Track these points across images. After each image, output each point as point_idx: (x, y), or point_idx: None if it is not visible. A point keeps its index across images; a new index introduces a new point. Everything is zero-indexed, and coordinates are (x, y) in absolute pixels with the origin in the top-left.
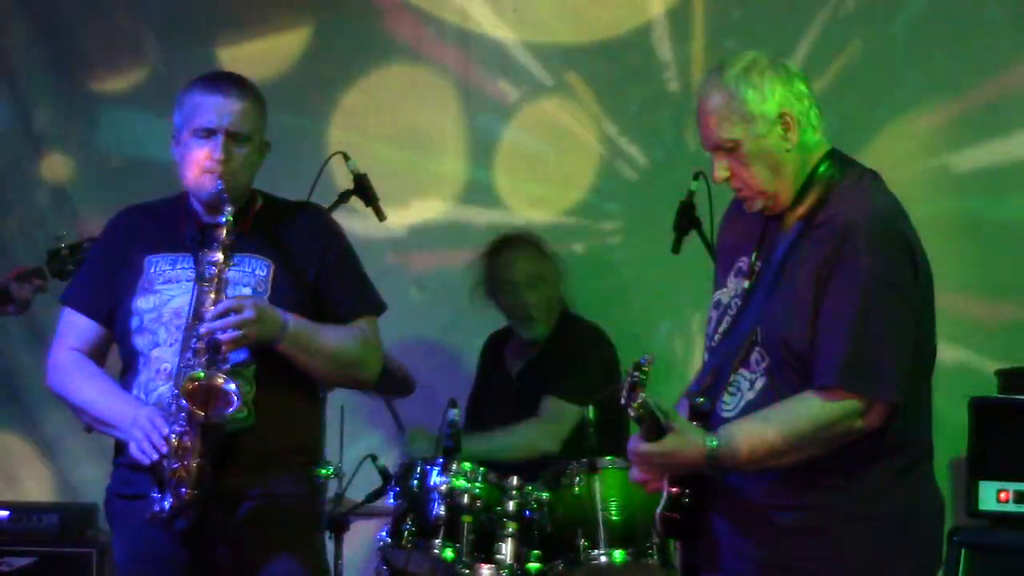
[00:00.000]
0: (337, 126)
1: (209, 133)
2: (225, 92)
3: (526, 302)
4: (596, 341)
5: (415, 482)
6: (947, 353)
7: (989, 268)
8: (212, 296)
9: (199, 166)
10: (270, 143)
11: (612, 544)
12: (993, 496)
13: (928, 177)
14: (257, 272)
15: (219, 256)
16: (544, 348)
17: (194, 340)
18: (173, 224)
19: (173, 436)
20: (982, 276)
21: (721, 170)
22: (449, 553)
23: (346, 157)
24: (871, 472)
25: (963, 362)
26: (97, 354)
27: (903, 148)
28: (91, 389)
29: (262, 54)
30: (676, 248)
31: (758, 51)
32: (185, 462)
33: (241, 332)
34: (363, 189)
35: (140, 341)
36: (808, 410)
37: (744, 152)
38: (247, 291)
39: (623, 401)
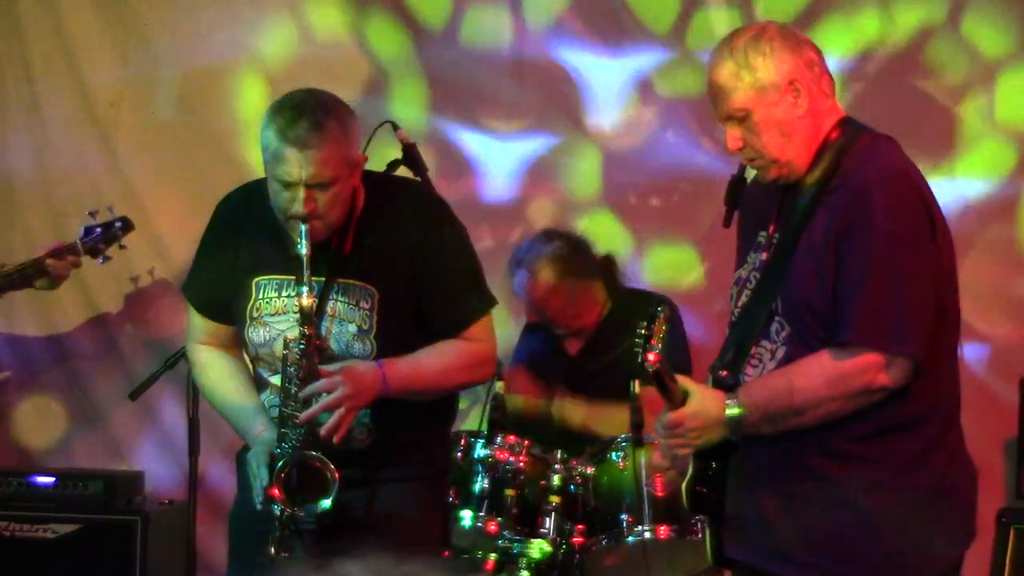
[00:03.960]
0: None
1: (289, 186)
2: (302, 143)
3: (549, 316)
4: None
5: (459, 454)
6: (999, 331)
7: None
8: (304, 364)
9: (283, 213)
10: (367, 156)
11: (656, 520)
12: None
13: None
14: (361, 304)
15: (309, 302)
16: (603, 326)
17: (290, 419)
18: (276, 235)
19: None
20: None
21: (733, 140)
22: (492, 526)
23: (394, 126)
24: (903, 440)
25: (1015, 341)
26: (225, 341)
27: None
28: (220, 400)
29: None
30: (727, 222)
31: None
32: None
33: (340, 415)
34: (412, 159)
35: (257, 366)
36: (821, 365)
37: (755, 121)
38: (352, 328)
39: (639, 355)
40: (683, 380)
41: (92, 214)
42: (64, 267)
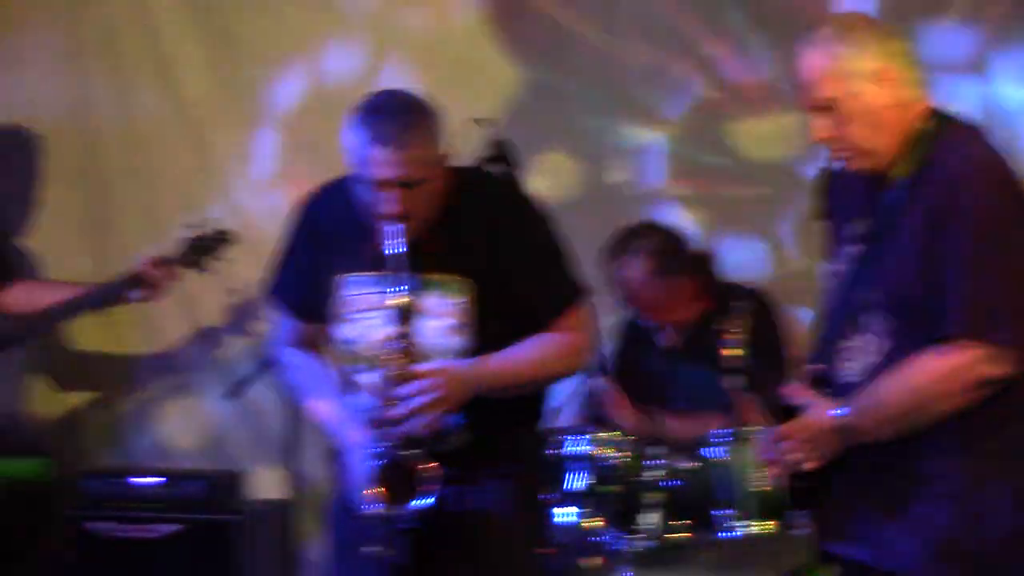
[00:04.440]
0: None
1: (379, 186)
2: (390, 143)
3: (645, 313)
4: (764, 311)
5: (556, 451)
6: None
7: None
8: (398, 363)
9: (373, 211)
10: (453, 152)
11: (758, 515)
12: None
13: None
14: (453, 300)
15: (402, 300)
16: (700, 322)
17: (385, 419)
18: (363, 233)
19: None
20: None
21: (819, 130)
22: (591, 523)
23: (483, 123)
24: (1011, 432)
25: None
26: (313, 341)
27: None
28: (312, 402)
29: None
30: (816, 216)
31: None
32: None
33: (434, 416)
34: (502, 155)
35: (347, 365)
36: (925, 365)
37: (842, 110)
38: (445, 323)
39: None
40: (793, 395)
41: (190, 226)
42: (161, 276)
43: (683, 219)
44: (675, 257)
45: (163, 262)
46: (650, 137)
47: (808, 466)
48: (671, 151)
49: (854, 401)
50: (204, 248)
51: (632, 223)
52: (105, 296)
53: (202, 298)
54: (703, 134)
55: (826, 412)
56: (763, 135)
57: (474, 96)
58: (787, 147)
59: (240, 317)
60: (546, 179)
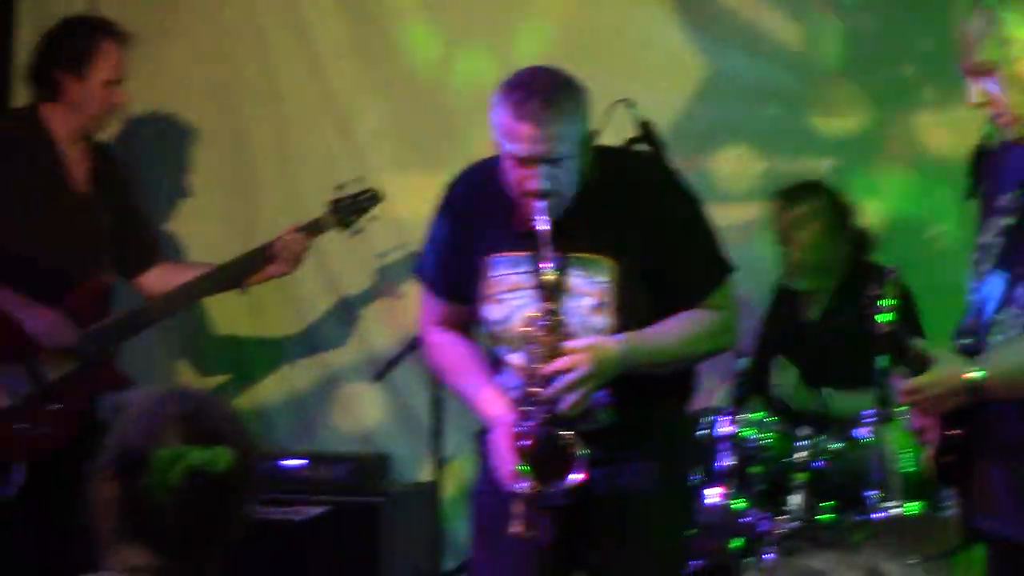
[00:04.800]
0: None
1: (524, 162)
2: (535, 119)
3: (796, 256)
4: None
5: (703, 431)
6: None
7: None
8: (546, 342)
9: (518, 189)
10: (598, 131)
11: (906, 496)
12: None
13: None
14: (598, 278)
15: (549, 278)
16: (841, 291)
17: (531, 396)
18: (508, 213)
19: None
20: None
21: (976, 95)
22: (738, 504)
23: (630, 104)
24: None
25: None
26: (460, 321)
27: None
28: (458, 381)
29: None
30: (970, 194)
31: None
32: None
33: (581, 394)
34: (649, 136)
35: (494, 344)
36: None
37: (1000, 75)
38: (589, 302)
39: (872, 319)
40: (923, 345)
41: (340, 186)
42: (295, 242)
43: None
44: (842, 218)
45: (297, 231)
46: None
47: (924, 419)
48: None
49: (989, 360)
50: (353, 208)
51: (806, 180)
52: (240, 269)
53: (345, 277)
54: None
55: (958, 368)
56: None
57: (658, 84)
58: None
59: (383, 296)
60: (729, 170)
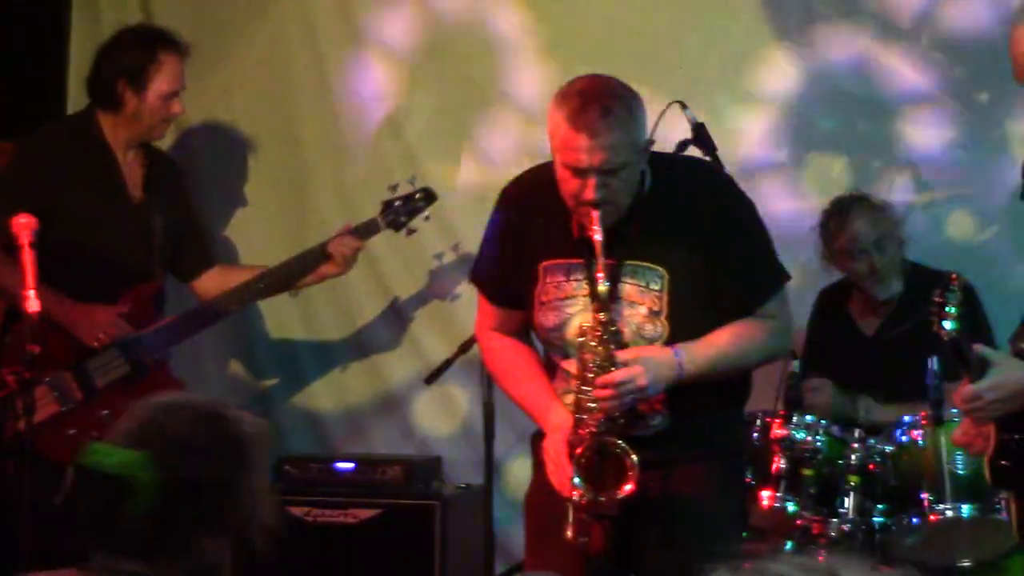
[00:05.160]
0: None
1: (579, 172)
2: (592, 130)
3: (877, 265)
4: (970, 291)
5: (756, 434)
6: None
7: None
8: (599, 350)
9: (572, 199)
10: (654, 139)
11: (958, 498)
12: None
13: None
14: (651, 286)
15: (603, 286)
16: (901, 304)
17: (584, 403)
18: (562, 220)
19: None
20: None
21: None
22: (791, 506)
23: (683, 106)
24: None
25: None
26: (515, 327)
27: None
28: (512, 386)
29: None
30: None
31: None
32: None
33: (635, 401)
34: (701, 139)
35: (548, 351)
36: None
37: None
38: (643, 310)
39: (934, 325)
40: (983, 350)
41: (393, 187)
42: (346, 245)
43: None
44: (891, 224)
45: (347, 233)
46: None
47: (982, 424)
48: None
49: None
50: (406, 209)
51: (848, 193)
52: (293, 271)
53: (396, 280)
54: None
55: (1020, 374)
56: None
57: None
58: None
59: (434, 298)
60: (818, 179)
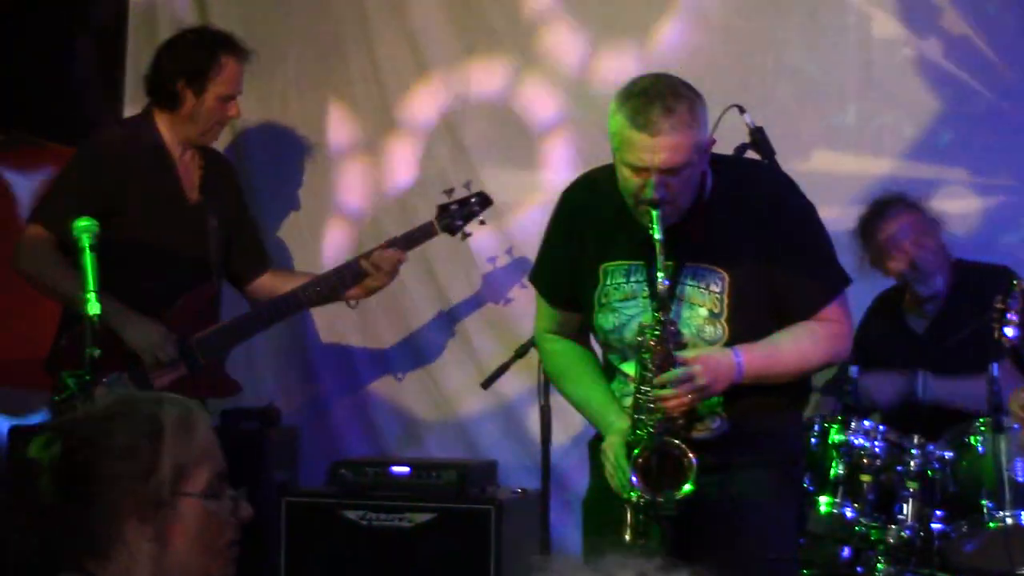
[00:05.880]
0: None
1: (640, 171)
2: (655, 129)
3: (919, 262)
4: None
5: (814, 439)
6: None
7: None
8: (659, 351)
9: (634, 198)
10: (715, 139)
11: (1018, 505)
12: None
13: None
14: (712, 288)
15: (663, 287)
16: (949, 300)
17: (643, 404)
18: (622, 221)
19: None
20: None
21: None
22: (849, 512)
23: (741, 110)
24: None
25: None
26: (573, 329)
27: None
28: (571, 389)
29: None
30: None
31: None
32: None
33: (693, 400)
34: (760, 143)
35: (607, 352)
36: None
37: None
38: (703, 312)
39: (996, 330)
40: None
41: (448, 192)
42: (386, 259)
43: None
44: (927, 220)
45: (392, 243)
46: None
47: None
48: None
49: None
50: (461, 212)
51: (883, 194)
52: (335, 281)
53: (450, 284)
54: None
55: None
56: None
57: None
58: None
59: (488, 302)
60: None
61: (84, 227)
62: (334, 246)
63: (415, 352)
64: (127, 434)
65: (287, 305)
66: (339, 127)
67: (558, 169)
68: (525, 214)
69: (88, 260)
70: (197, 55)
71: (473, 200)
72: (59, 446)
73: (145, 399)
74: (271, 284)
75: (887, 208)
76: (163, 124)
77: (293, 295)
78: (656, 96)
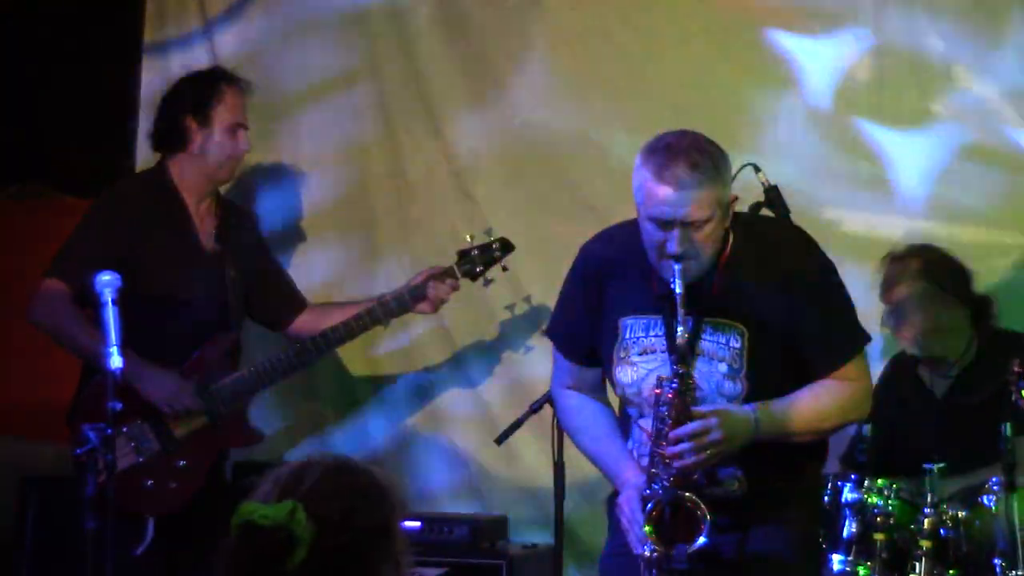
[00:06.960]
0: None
1: (664, 225)
2: (678, 184)
3: (920, 324)
4: None
5: (827, 497)
6: None
7: None
8: (676, 405)
9: (657, 252)
10: (737, 196)
11: None
12: None
13: None
14: (731, 344)
15: (682, 341)
16: (972, 367)
17: (659, 458)
18: (643, 275)
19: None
20: None
21: None
22: (862, 571)
23: (756, 168)
24: None
25: None
26: (591, 384)
27: None
28: (588, 444)
29: None
30: None
31: None
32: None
33: (709, 455)
34: (774, 201)
35: (624, 407)
36: None
37: None
38: (722, 367)
39: (1012, 394)
40: None
41: (470, 237)
42: (444, 290)
43: None
44: (951, 280)
45: (443, 273)
46: None
47: None
48: None
49: None
50: (483, 258)
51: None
52: (389, 308)
53: (462, 332)
54: None
55: None
56: None
57: None
58: None
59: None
60: None
61: (107, 282)
62: (342, 278)
63: (428, 404)
64: (379, 512)
65: (326, 341)
66: (346, 164)
67: (572, 226)
68: (537, 269)
69: (110, 315)
70: (197, 88)
71: (495, 246)
72: (304, 516)
73: (363, 470)
74: (313, 321)
75: (906, 264)
76: (176, 171)
77: (333, 331)
78: (681, 151)
